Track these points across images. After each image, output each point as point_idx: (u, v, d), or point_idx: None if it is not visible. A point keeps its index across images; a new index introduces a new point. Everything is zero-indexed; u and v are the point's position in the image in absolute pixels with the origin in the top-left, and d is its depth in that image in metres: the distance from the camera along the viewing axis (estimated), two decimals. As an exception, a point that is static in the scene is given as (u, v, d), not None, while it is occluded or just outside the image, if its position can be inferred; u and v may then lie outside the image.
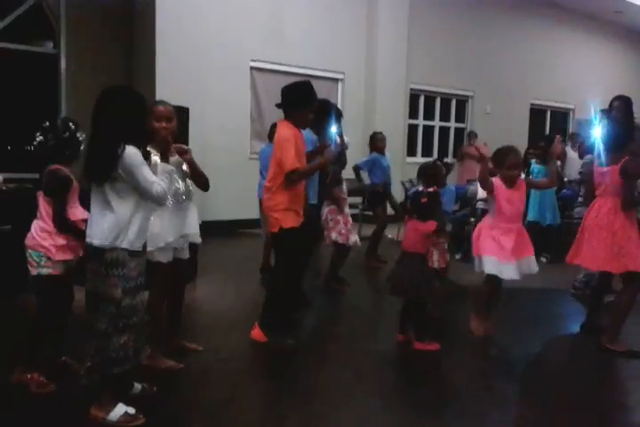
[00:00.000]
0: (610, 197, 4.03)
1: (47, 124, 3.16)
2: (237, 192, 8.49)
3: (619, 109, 4.96)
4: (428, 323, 3.98)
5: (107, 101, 2.65)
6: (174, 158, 3.29)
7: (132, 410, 2.71)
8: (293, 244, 3.75)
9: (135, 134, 2.66)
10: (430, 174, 4.65)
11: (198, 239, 3.61)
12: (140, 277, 2.76)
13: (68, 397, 2.95)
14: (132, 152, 2.58)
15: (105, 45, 8.33)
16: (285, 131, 3.72)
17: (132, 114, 2.65)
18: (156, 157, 3.02)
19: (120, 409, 2.68)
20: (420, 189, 4.04)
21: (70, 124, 3.17)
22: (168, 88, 7.43)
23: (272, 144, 5.70)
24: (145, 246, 2.82)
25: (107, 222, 2.61)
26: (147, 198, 2.68)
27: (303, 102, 3.78)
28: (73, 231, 3.08)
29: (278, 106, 3.92)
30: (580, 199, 5.62)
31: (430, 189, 4.03)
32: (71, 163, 3.20)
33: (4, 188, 5.12)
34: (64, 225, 3.07)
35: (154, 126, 3.19)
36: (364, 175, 6.57)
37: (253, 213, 8.41)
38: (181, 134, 4.87)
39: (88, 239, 2.66)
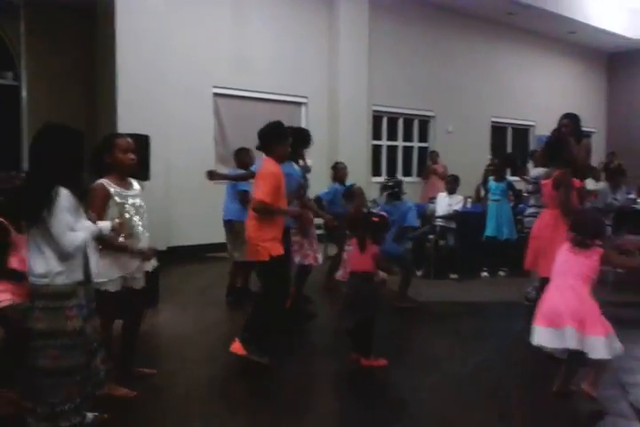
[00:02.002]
0: (551, 208, 4.25)
1: None
2: (203, 217, 8.53)
3: (567, 126, 5.23)
4: (374, 340, 4.01)
5: (41, 140, 2.65)
6: (135, 191, 3.42)
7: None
8: (281, 270, 4.02)
9: (70, 173, 2.65)
10: (345, 196, 4.83)
11: (150, 267, 3.65)
12: (91, 303, 2.82)
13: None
14: (61, 194, 2.56)
15: (66, 74, 8.42)
16: (270, 167, 3.99)
17: (67, 152, 2.64)
18: (114, 188, 3.25)
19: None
20: (374, 211, 4.17)
21: None
22: (130, 116, 7.51)
23: (238, 169, 5.88)
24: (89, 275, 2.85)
25: (39, 263, 2.62)
26: (57, 243, 2.58)
27: (278, 138, 4.10)
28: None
29: (259, 148, 4.21)
30: (528, 210, 5.85)
31: (382, 213, 4.19)
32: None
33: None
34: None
35: (120, 158, 3.34)
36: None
37: (219, 237, 8.49)
38: (142, 162, 4.97)
39: (29, 278, 2.67)
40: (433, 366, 4.04)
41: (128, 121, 7.41)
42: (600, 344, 3.17)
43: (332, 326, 4.88)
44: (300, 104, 10.19)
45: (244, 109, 9.46)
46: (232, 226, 5.93)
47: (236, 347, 3.98)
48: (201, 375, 3.88)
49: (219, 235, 8.50)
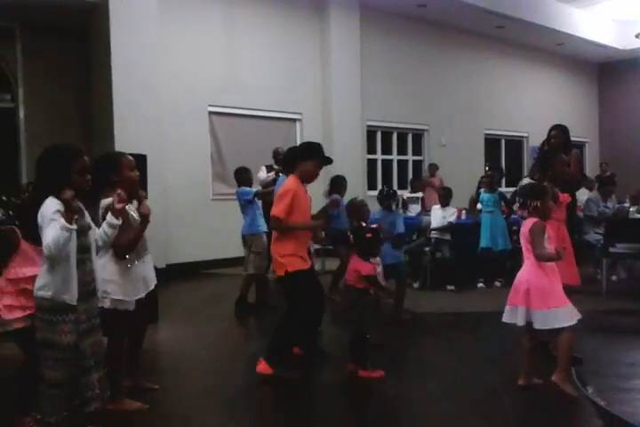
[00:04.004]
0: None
1: None
2: (201, 234, 8.61)
3: (556, 137, 5.32)
4: (369, 351, 4.05)
5: (38, 158, 2.83)
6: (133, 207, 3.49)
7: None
8: (301, 286, 3.91)
9: (56, 186, 2.73)
10: (352, 210, 4.88)
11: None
12: (93, 319, 2.88)
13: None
14: (47, 203, 2.67)
15: (62, 96, 8.52)
16: (290, 184, 3.96)
17: (53, 167, 2.79)
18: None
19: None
20: (363, 224, 4.20)
21: None
22: (126, 136, 7.59)
23: (243, 188, 5.98)
24: (95, 292, 2.93)
25: (40, 275, 2.75)
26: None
27: (308, 154, 4.05)
28: None
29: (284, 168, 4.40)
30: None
31: (373, 226, 4.21)
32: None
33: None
34: None
35: (128, 175, 3.42)
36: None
37: (217, 254, 8.58)
38: (140, 181, 5.05)
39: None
40: (429, 378, 4.08)
41: (125, 141, 7.49)
42: (540, 315, 3.51)
43: (331, 336, 4.92)
44: (294, 120, 10.30)
45: (239, 127, 9.57)
46: (245, 240, 6.08)
47: (262, 367, 3.94)
48: (203, 391, 3.89)
49: (216, 252, 8.62)
